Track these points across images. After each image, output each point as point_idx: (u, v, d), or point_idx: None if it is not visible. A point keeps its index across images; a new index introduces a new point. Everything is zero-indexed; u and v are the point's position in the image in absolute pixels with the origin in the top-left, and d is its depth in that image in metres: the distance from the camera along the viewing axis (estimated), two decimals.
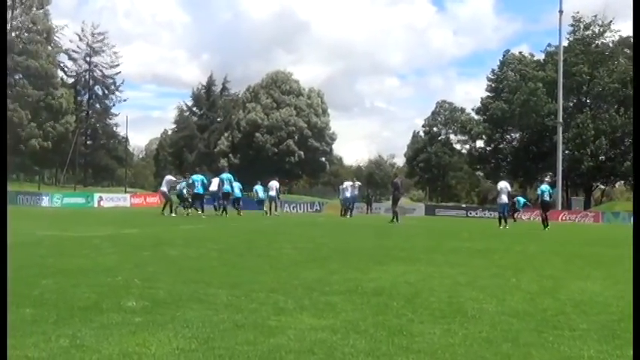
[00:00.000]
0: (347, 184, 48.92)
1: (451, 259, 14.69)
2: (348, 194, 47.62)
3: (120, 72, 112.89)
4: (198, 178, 38.87)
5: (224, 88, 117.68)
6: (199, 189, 37.87)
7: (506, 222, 35.05)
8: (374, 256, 14.67)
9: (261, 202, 47.71)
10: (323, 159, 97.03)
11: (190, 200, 38.26)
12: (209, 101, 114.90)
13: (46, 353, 5.54)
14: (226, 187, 40.34)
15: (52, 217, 31.11)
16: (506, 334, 6.77)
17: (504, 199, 35.25)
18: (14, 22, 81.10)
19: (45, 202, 55.71)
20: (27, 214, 33.05)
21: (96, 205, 59.36)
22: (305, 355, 5.71)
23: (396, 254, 15.59)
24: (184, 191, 38.66)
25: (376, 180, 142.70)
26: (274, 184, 46.64)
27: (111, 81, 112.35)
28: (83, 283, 9.42)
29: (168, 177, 40.31)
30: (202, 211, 37.66)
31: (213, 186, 40.27)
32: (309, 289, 9.37)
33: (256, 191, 48.77)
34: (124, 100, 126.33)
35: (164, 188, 38.08)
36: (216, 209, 41.70)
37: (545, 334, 6.81)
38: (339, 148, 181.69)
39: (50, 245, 15.61)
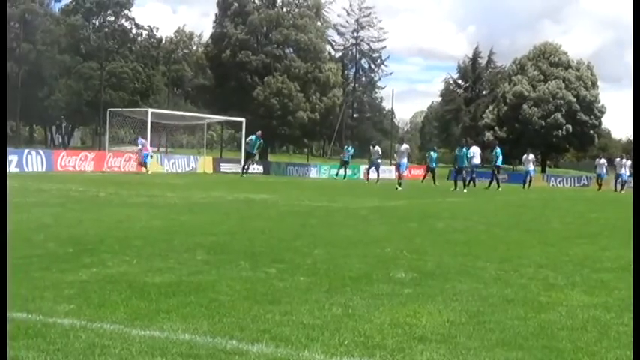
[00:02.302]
0: (624, 160, 46.32)
1: None
2: (623, 171, 45.61)
3: (386, 46, 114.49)
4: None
5: (490, 61, 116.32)
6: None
7: None
8: None
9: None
10: (591, 132, 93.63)
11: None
12: (475, 74, 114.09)
13: (320, 320, 5.70)
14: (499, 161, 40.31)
15: (321, 188, 31.95)
16: None
17: None
18: None
19: (313, 173, 57.46)
20: (297, 185, 34.20)
21: (362, 177, 60.59)
22: (578, 332, 5.58)
23: None
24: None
25: None
26: (532, 157, 45.83)
27: (377, 55, 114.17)
28: (353, 253, 9.66)
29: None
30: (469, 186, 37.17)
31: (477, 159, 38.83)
32: (580, 265, 9.18)
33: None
34: (390, 74, 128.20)
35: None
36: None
37: None
38: (607, 121, 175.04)
39: (320, 216, 16.09)
